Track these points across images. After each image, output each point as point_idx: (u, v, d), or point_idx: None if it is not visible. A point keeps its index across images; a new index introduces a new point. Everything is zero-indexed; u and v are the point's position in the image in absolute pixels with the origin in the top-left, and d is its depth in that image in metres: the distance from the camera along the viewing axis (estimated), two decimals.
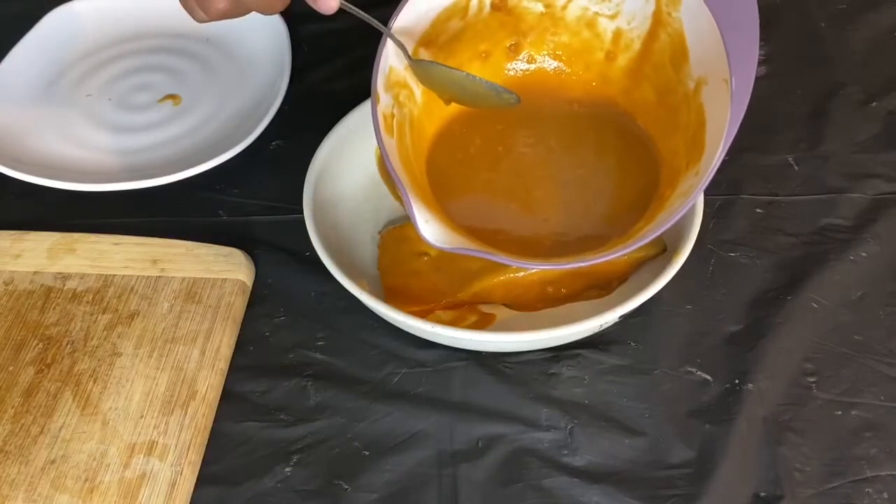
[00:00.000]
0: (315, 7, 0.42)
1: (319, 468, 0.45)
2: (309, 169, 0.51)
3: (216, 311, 0.50)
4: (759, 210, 0.55)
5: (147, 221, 0.56)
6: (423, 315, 0.47)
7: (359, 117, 0.55)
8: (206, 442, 0.45)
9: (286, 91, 0.62)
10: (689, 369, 0.48)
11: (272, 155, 0.60)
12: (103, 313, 0.50)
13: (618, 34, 0.53)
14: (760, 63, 0.62)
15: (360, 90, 0.55)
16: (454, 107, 0.52)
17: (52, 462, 0.44)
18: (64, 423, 0.45)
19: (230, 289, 0.51)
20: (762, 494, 0.43)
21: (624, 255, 0.44)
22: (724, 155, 0.43)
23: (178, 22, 0.71)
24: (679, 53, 0.49)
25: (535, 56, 0.55)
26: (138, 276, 0.52)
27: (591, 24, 0.53)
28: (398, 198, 0.55)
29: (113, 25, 0.70)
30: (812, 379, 0.47)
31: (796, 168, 0.57)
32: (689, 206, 0.43)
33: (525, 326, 0.45)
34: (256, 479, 0.44)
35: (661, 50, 0.51)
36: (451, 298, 0.50)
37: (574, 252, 0.46)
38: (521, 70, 0.55)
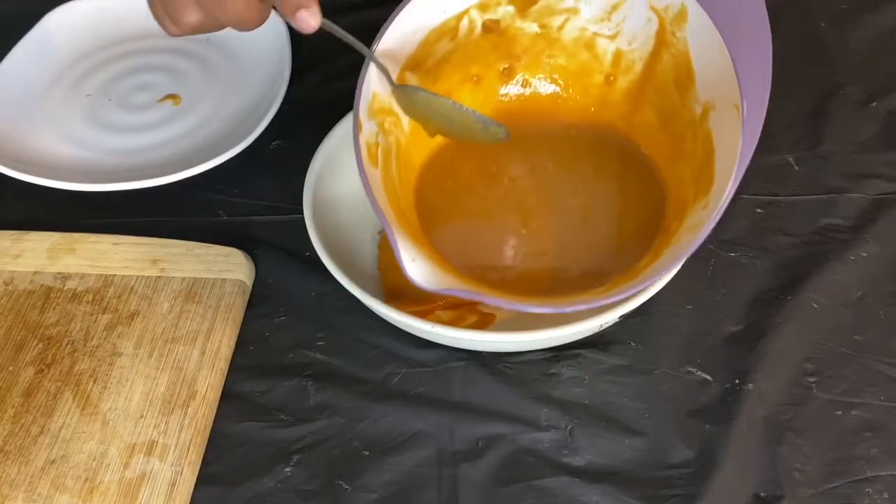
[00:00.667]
0: (294, 26, 0.40)
1: (319, 468, 0.45)
2: (309, 169, 0.51)
3: (216, 312, 0.50)
4: (759, 210, 0.55)
5: (147, 221, 0.56)
6: (423, 315, 0.47)
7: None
8: (206, 442, 0.45)
9: (286, 91, 0.62)
10: (689, 369, 0.48)
11: (272, 155, 0.60)
12: (103, 313, 0.50)
13: (618, 55, 0.50)
14: None
15: None
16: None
17: (52, 462, 0.44)
18: (64, 423, 0.45)
19: (230, 289, 0.51)
20: (762, 494, 0.43)
21: (628, 296, 0.41)
22: (735, 187, 0.40)
23: None
24: (684, 76, 0.47)
25: (531, 79, 0.53)
26: (138, 276, 0.52)
27: (589, 45, 0.51)
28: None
29: (113, 25, 0.70)
30: (812, 379, 0.47)
31: (796, 168, 0.57)
32: (698, 242, 0.39)
33: (525, 326, 0.45)
34: (256, 479, 0.44)
35: (665, 72, 0.48)
36: (451, 298, 0.49)
37: (574, 289, 0.44)
38: (515, 94, 0.53)
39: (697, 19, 0.45)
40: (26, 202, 0.57)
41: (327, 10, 0.59)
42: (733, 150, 0.41)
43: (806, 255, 0.52)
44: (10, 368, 0.48)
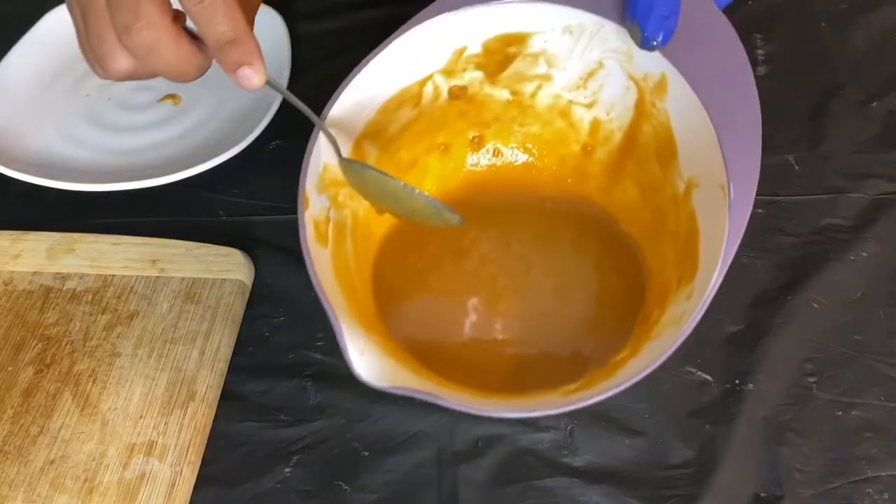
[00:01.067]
0: (237, 83, 0.36)
1: (319, 468, 0.45)
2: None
3: (215, 312, 0.50)
4: (759, 210, 0.55)
5: (147, 221, 0.56)
6: None
7: (355, 83, 0.54)
8: (205, 442, 0.45)
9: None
10: (690, 369, 0.48)
11: (272, 155, 0.60)
12: (102, 313, 0.50)
13: (596, 125, 0.48)
14: (761, 63, 0.62)
15: None
16: None
17: (52, 462, 0.44)
18: (63, 423, 0.45)
19: (230, 289, 0.51)
20: (762, 494, 0.43)
21: (604, 398, 0.36)
22: (722, 278, 0.37)
23: None
24: (666, 149, 0.44)
25: (503, 148, 0.50)
26: (138, 277, 0.52)
27: (564, 112, 0.48)
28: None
29: None
30: (812, 379, 0.47)
31: (796, 168, 0.57)
32: (682, 337, 0.36)
33: None
34: (256, 479, 0.44)
35: (646, 144, 0.45)
36: None
37: (545, 383, 0.40)
38: (486, 164, 0.50)
39: (679, 90, 0.42)
40: (26, 202, 0.57)
41: (326, 9, 0.59)
42: (719, 234, 0.38)
43: (806, 255, 0.52)
44: (10, 368, 0.48)
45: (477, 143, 0.50)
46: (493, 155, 0.50)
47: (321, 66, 0.66)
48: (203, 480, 0.44)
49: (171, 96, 0.65)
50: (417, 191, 0.41)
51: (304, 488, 0.44)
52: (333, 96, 0.43)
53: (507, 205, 0.49)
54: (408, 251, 0.47)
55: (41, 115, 0.64)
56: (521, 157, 0.50)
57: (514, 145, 0.50)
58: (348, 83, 0.42)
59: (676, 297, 0.40)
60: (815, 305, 0.50)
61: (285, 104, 0.61)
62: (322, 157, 0.42)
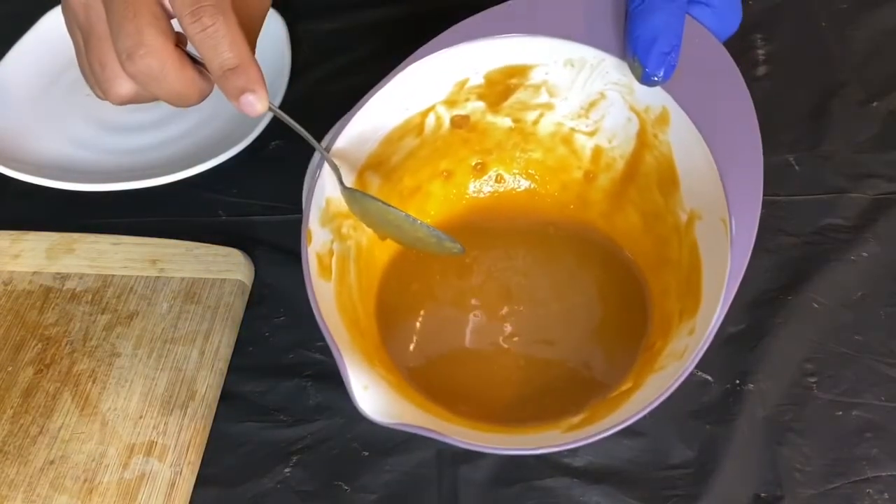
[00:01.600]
0: (238, 109, 0.36)
1: (319, 469, 0.44)
2: (308, 168, 0.51)
3: (215, 312, 0.50)
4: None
5: (146, 221, 0.56)
6: None
7: (359, 117, 0.54)
8: (205, 442, 0.45)
9: (286, 91, 0.62)
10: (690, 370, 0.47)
11: (272, 155, 0.60)
12: (102, 313, 0.50)
13: (598, 152, 0.47)
14: (761, 63, 0.62)
15: (360, 90, 0.55)
16: None
17: (52, 462, 0.44)
18: (63, 423, 0.45)
19: (229, 289, 0.51)
20: (762, 495, 0.43)
21: (609, 434, 0.37)
22: (724, 314, 0.37)
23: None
24: (668, 180, 0.44)
25: (505, 175, 0.50)
26: (137, 277, 0.52)
27: (566, 140, 0.48)
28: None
29: None
30: (812, 379, 0.47)
31: (796, 168, 0.57)
32: (685, 373, 0.36)
33: None
34: (256, 479, 0.44)
35: (648, 173, 0.45)
36: None
37: (548, 414, 0.40)
38: (489, 190, 0.50)
39: (680, 124, 0.42)
40: (26, 202, 0.57)
41: (326, 9, 0.59)
42: (721, 269, 0.38)
43: (806, 255, 0.52)
44: (9, 369, 0.48)
45: (480, 170, 0.50)
46: (496, 181, 0.50)
47: (321, 66, 0.66)
48: (203, 480, 0.44)
49: None
50: (419, 221, 0.41)
51: (304, 488, 0.44)
52: (335, 128, 0.43)
53: (510, 230, 0.50)
54: (411, 278, 0.47)
55: (41, 115, 0.63)
56: (524, 184, 0.50)
57: (517, 171, 0.50)
58: (351, 116, 0.43)
59: (679, 331, 0.40)
60: (816, 305, 0.50)
61: (285, 104, 0.61)
62: (326, 191, 0.42)
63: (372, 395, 0.36)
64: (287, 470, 0.45)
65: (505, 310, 0.47)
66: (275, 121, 0.60)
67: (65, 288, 0.52)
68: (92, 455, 0.44)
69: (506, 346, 0.46)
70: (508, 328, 0.46)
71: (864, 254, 0.52)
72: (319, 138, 0.53)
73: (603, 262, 0.48)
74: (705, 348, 0.37)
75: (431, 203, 0.50)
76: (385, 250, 0.47)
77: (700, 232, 0.42)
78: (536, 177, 0.50)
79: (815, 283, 0.50)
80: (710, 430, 0.45)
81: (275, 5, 0.67)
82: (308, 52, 0.66)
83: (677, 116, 0.42)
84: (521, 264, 0.48)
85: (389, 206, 0.41)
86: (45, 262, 0.53)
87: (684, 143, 0.42)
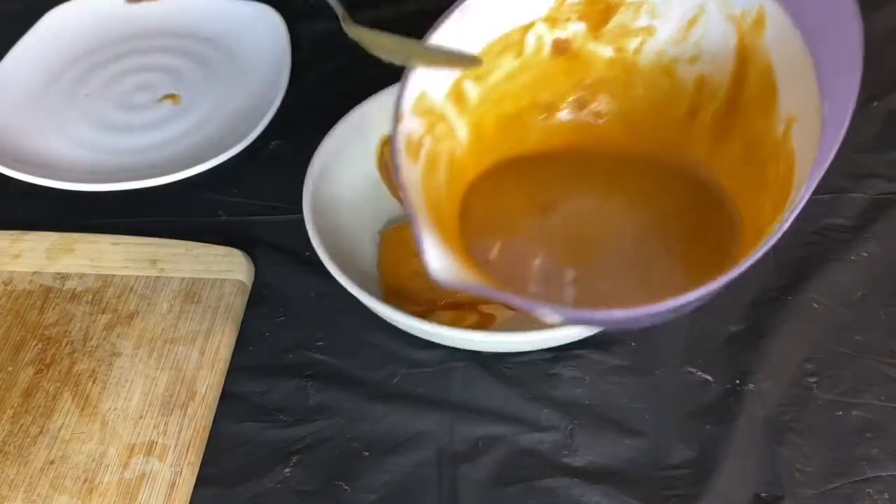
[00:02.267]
0: None
1: (319, 469, 0.44)
2: (309, 169, 0.51)
3: (216, 312, 0.50)
4: None
5: (146, 221, 0.56)
6: (423, 315, 0.47)
7: (359, 117, 0.55)
8: (205, 442, 0.45)
9: (286, 91, 0.62)
10: (690, 369, 0.48)
11: (272, 155, 0.60)
12: (102, 313, 0.50)
13: (700, 82, 0.46)
14: None
15: (361, 90, 0.55)
16: (503, 151, 0.46)
17: (52, 462, 0.44)
18: (63, 423, 0.45)
19: (230, 289, 0.51)
20: (762, 495, 0.43)
21: (666, 310, 0.34)
22: (808, 195, 0.36)
23: (178, 22, 0.71)
24: (767, 93, 0.42)
25: (604, 109, 0.49)
26: (137, 277, 0.52)
27: (668, 71, 0.47)
28: (398, 197, 0.55)
29: (112, 25, 0.70)
30: (813, 379, 0.47)
31: None
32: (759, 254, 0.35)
33: (525, 326, 0.45)
34: (256, 479, 0.44)
35: (749, 95, 0.44)
36: (450, 298, 0.49)
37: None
38: (586, 123, 0.49)
39: (776, 21, 0.41)
40: (26, 202, 0.57)
41: (326, 9, 0.59)
42: (811, 156, 0.36)
43: (806, 255, 0.52)
44: (10, 369, 0.48)
45: (580, 104, 0.49)
46: (595, 116, 0.49)
47: (321, 66, 0.66)
48: (203, 480, 0.44)
49: (171, 96, 0.65)
50: (432, 44, 0.42)
51: (304, 488, 0.44)
52: (434, 25, 0.43)
53: (605, 165, 0.49)
54: (499, 195, 0.47)
55: (41, 115, 0.64)
56: (622, 118, 0.49)
57: (616, 106, 0.49)
58: (449, 15, 0.43)
59: (766, 235, 0.38)
60: (816, 305, 0.50)
61: (285, 104, 0.61)
62: (420, 84, 0.42)
63: (446, 263, 0.36)
64: (287, 470, 0.45)
65: (592, 242, 0.46)
66: (275, 121, 0.60)
67: (65, 288, 0.52)
68: (92, 455, 0.44)
69: (585, 271, 0.45)
70: (593, 258, 0.45)
71: (864, 254, 0.52)
72: (320, 138, 0.53)
73: (696, 194, 0.46)
74: (786, 226, 0.36)
75: (529, 134, 0.49)
76: (476, 166, 0.47)
77: (796, 135, 0.40)
78: (636, 111, 0.49)
79: (815, 283, 0.51)
80: (710, 430, 0.45)
81: (275, 5, 0.67)
82: (308, 52, 0.66)
83: (773, 12, 0.41)
84: (615, 199, 0.48)
85: (400, 36, 0.43)
86: (45, 262, 0.53)
87: (780, 41, 0.41)
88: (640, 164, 0.48)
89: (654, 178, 0.48)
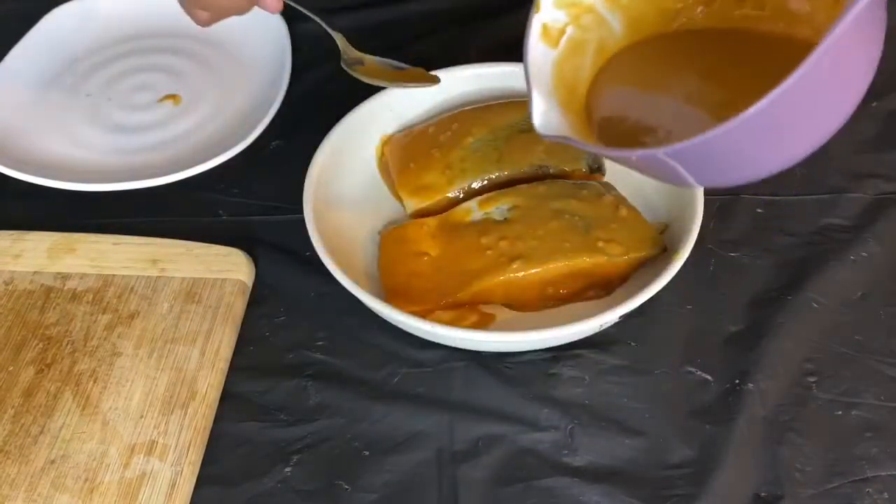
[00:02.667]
0: (261, 6, 0.47)
1: (319, 468, 0.45)
2: (309, 169, 0.51)
3: (216, 312, 0.50)
4: (759, 210, 0.55)
5: (147, 221, 0.56)
6: (423, 315, 0.47)
7: (359, 117, 0.55)
8: (205, 442, 0.45)
9: (286, 91, 0.62)
10: (690, 369, 0.48)
11: (272, 155, 0.60)
12: (103, 313, 0.50)
13: None
14: None
15: (361, 90, 0.55)
16: (652, 30, 0.48)
17: (52, 462, 0.44)
18: (64, 423, 0.45)
19: (230, 289, 0.51)
20: (762, 494, 0.43)
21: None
22: None
23: (178, 22, 0.71)
24: None
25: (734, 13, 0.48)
26: (138, 277, 0.52)
27: None
28: (398, 197, 0.55)
29: (112, 25, 0.70)
30: (812, 379, 0.47)
31: (796, 168, 0.57)
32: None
33: (525, 326, 0.45)
34: (256, 479, 0.44)
35: None
36: (451, 298, 0.49)
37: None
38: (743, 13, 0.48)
39: None
40: (26, 202, 0.57)
41: (325, 9, 0.59)
42: None
43: (806, 255, 0.52)
44: (10, 368, 0.48)
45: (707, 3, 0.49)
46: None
47: (321, 66, 0.66)
48: (203, 480, 0.44)
49: (171, 96, 0.65)
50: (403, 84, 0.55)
51: (304, 488, 0.44)
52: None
53: (716, 43, 0.48)
54: (634, 73, 0.49)
55: (41, 115, 0.64)
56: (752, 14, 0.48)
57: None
58: None
59: None
60: (815, 305, 0.50)
61: (285, 104, 0.61)
62: None
63: (543, 114, 0.42)
64: (287, 469, 0.45)
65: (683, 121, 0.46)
66: (275, 121, 0.60)
67: (66, 288, 0.52)
68: (93, 454, 0.44)
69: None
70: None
71: (864, 254, 0.52)
72: (320, 138, 0.53)
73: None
74: None
75: (676, 23, 0.49)
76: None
77: None
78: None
79: (815, 283, 0.51)
80: (710, 429, 0.45)
81: None
82: (308, 52, 0.66)
83: None
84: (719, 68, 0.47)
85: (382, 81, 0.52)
86: (45, 262, 0.53)
87: None
88: (761, 43, 0.47)
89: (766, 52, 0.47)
